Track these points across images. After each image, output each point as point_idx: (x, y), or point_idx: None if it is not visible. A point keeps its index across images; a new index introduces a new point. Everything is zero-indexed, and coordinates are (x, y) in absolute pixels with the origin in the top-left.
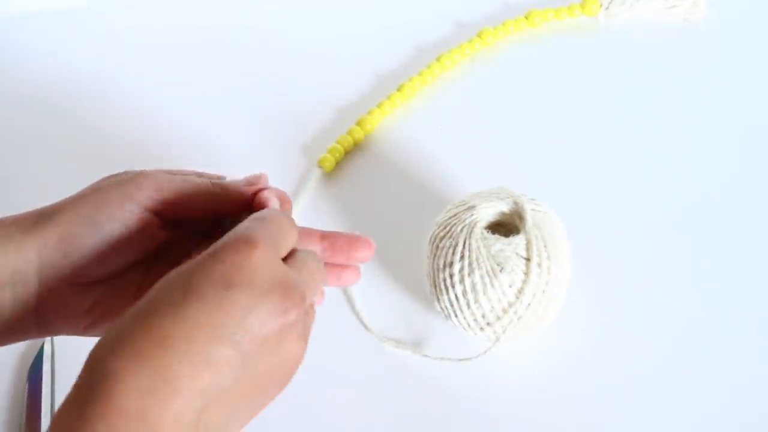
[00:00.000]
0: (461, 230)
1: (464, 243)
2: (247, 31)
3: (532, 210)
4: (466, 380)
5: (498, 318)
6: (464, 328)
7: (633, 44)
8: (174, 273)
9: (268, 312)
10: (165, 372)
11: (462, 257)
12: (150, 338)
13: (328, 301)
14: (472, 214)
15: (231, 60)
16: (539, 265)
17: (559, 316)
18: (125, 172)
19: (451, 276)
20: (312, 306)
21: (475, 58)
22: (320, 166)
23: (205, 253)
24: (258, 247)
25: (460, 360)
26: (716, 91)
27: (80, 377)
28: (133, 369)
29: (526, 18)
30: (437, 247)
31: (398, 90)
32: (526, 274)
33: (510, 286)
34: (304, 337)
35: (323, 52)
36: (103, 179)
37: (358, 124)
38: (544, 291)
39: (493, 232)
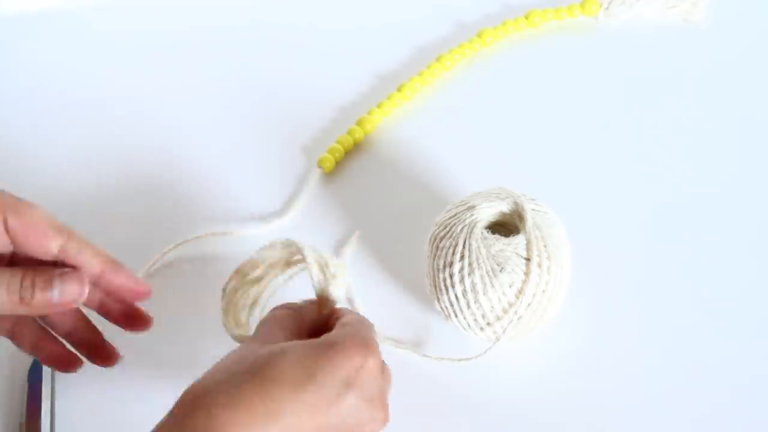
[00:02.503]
0: (461, 230)
1: (464, 243)
2: (246, 31)
3: (533, 210)
4: (466, 380)
5: (498, 318)
6: (464, 328)
7: (633, 44)
8: (300, 350)
9: (367, 418)
10: None
11: (462, 257)
12: (265, 406)
13: None
14: (472, 214)
15: (229, 60)
16: (539, 265)
17: (559, 317)
18: None
19: (451, 276)
20: None
21: (475, 58)
22: (320, 166)
23: (329, 341)
24: (375, 355)
25: (459, 360)
26: (716, 91)
27: (181, 413)
28: (243, 428)
29: (526, 18)
30: (437, 247)
31: (398, 90)
32: (527, 274)
33: (510, 286)
34: None
35: (323, 52)
36: None
37: (359, 123)
38: (544, 291)
39: (493, 232)
